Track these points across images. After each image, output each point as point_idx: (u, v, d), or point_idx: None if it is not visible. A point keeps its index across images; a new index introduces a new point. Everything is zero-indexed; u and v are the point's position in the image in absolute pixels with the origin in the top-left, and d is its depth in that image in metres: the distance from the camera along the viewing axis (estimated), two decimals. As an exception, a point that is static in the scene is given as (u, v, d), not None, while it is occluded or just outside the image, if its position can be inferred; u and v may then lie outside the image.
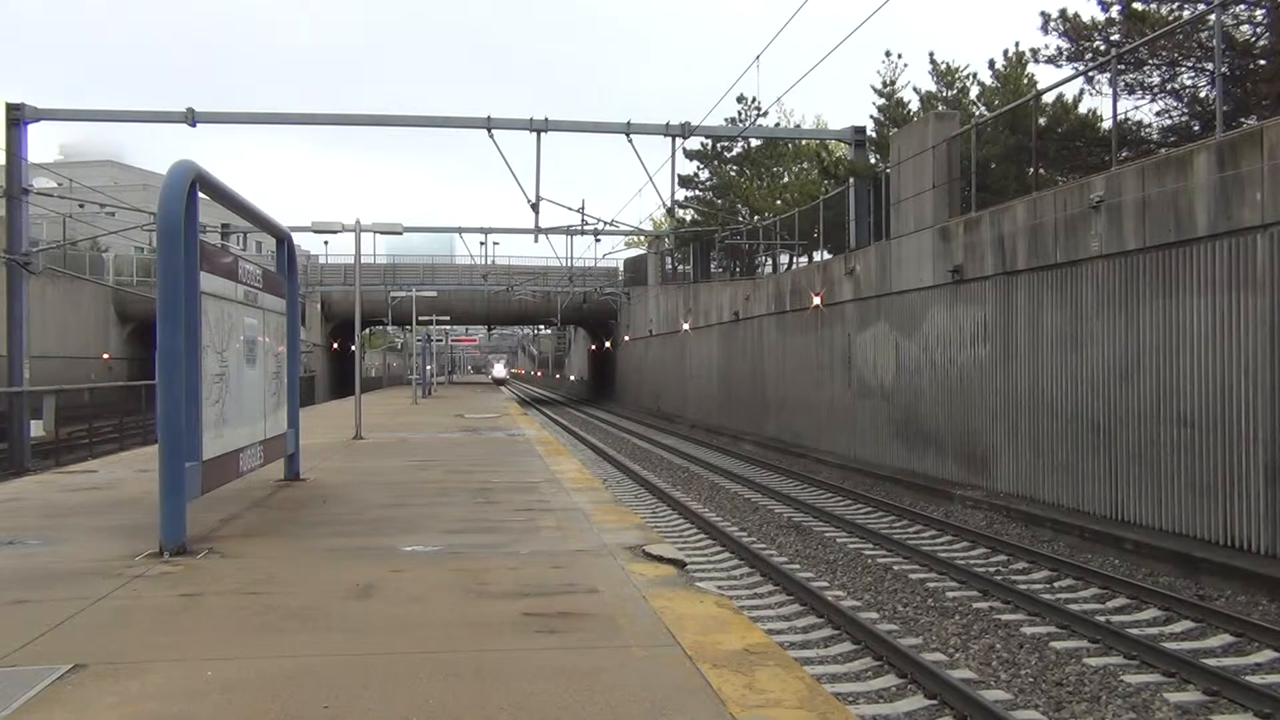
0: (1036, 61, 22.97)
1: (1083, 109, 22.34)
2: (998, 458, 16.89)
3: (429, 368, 54.31)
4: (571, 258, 47.02)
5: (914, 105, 33.36)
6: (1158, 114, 20.83)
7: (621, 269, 60.18)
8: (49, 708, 4.11)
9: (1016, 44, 33.11)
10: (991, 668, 8.71)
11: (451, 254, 66.80)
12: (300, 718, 4.01)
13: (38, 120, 24.49)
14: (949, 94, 31.53)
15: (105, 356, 46.77)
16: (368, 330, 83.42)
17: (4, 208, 25.38)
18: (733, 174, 48.03)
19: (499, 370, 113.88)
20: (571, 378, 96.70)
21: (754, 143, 44.83)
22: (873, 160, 30.57)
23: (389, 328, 78.19)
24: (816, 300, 25.29)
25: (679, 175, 41.33)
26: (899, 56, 43.32)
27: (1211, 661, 8.60)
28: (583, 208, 38.23)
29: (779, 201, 42.55)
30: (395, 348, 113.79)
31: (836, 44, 36.65)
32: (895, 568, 12.80)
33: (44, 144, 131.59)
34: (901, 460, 20.61)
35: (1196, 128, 19.61)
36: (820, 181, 37.97)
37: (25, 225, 24.93)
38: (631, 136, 25.50)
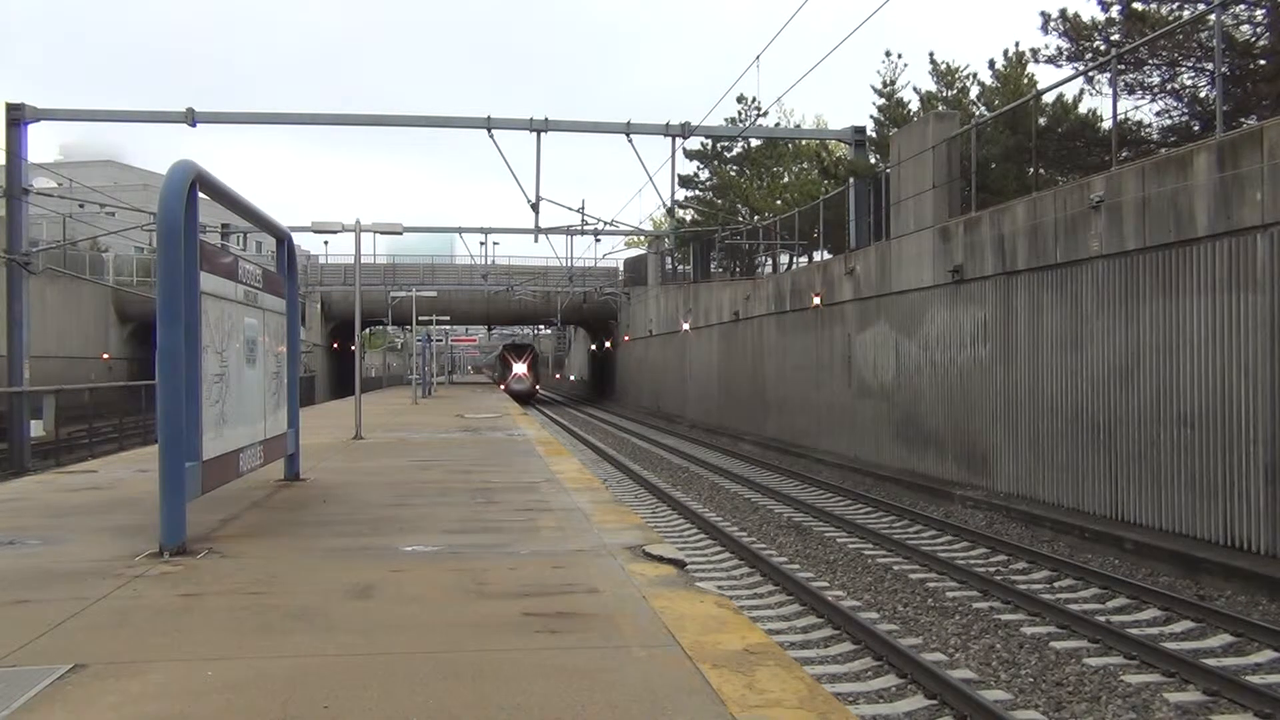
0: (1036, 61, 23.01)
1: (1083, 109, 22.39)
2: (998, 458, 16.89)
3: (429, 368, 54.29)
4: (571, 258, 47.05)
5: (914, 105, 33.40)
6: (1158, 114, 20.87)
7: (621, 269, 60.20)
8: (49, 708, 4.10)
9: (1016, 44, 33.14)
10: (991, 668, 8.72)
11: (451, 254, 66.66)
12: (300, 718, 4.01)
13: (38, 120, 24.53)
14: (949, 94, 31.56)
15: (105, 356, 46.76)
16: (368, 330, 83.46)
17: (4, 208, 25.40)
18: (733, 174, 48.03)
19: (519, 372, 66.91)
20: (571, 378, 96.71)
21: (754, 143, 44.83)
22: (873, 160, 30.57)
23: (389, 328, 78.21)
24: (816, 300, 25.28)
25: (679, 175, 41.36)
26: (899, 56, 43.38)
27: (1211, 661, 8.61)
28: (583, 208, 38.26)
29: (779, 201, 42.57)
30: (395, 348, 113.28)
31: (836, 44, 36.66)
32: (895, 568, 12.81)
33: (44, 144, 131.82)
34: (901, 460, 20.60)
35: (1196, 128, 19.60)
36: (820, 181, 37.99)
37: (25, 225, 24.97)
38: (631, 136, 25.52)
